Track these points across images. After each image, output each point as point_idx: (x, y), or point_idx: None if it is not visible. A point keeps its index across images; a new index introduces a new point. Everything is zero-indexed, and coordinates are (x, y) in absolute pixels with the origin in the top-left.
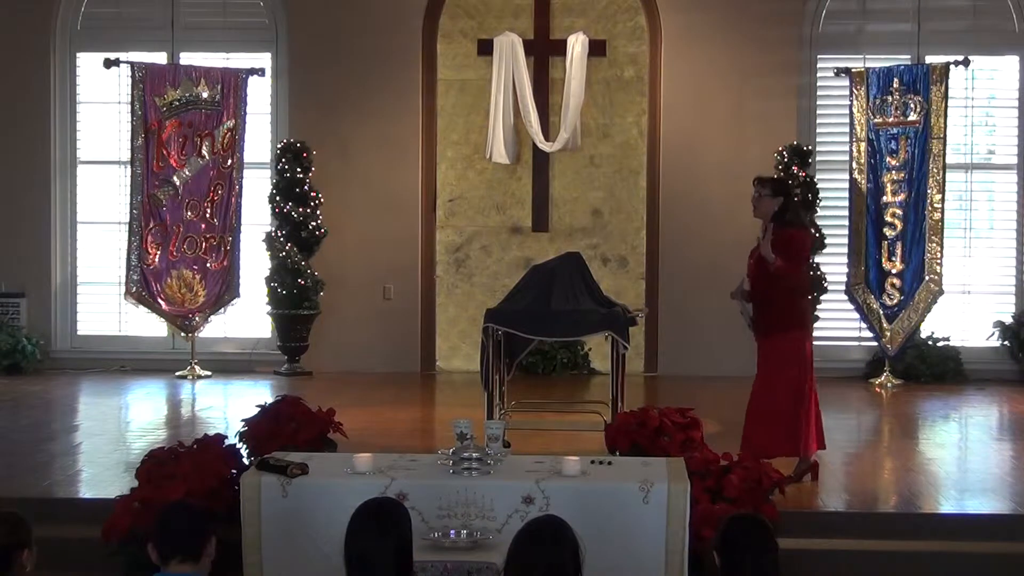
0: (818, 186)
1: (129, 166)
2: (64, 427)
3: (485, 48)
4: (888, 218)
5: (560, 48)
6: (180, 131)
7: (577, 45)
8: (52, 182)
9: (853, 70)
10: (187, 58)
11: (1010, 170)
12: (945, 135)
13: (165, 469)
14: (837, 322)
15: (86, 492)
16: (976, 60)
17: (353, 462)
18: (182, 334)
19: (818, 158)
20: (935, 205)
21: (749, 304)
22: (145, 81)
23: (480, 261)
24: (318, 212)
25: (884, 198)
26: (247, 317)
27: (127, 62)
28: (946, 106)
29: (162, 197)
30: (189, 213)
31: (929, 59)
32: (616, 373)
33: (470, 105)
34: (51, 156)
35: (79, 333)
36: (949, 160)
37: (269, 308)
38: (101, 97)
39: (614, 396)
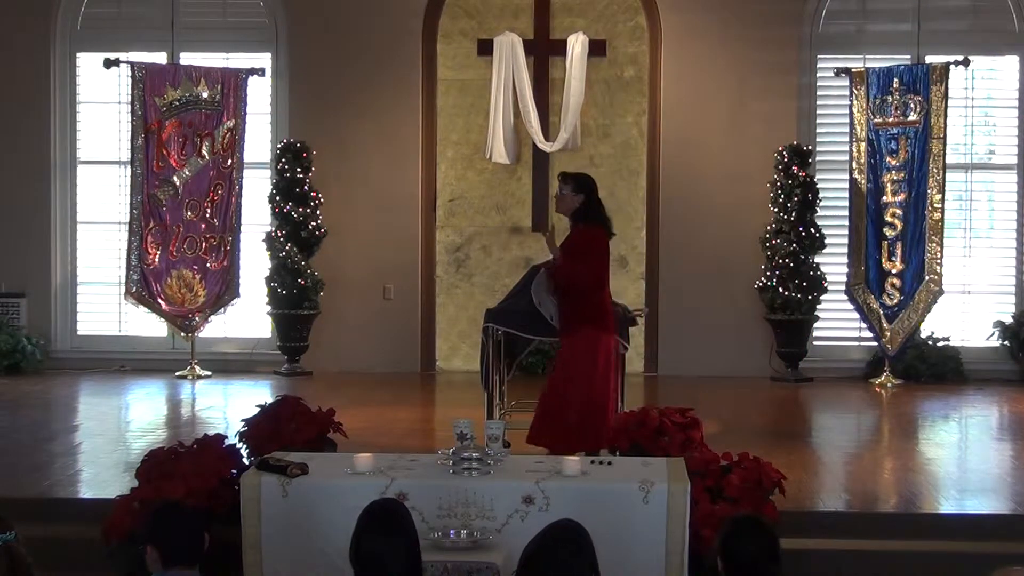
0: (818, 186)
1: (129, 166)
2: (64, 427)
3: (485, 48)
4: (888, 218)
5: (560, 48)
6: (180, 131)
7: (577, 45)
8: (52, 182)
9: (853, 70)
10: (187, 58)
11: (1010, 170)
12: (945, 135)
13: (165, 469)
14: (837, 322)
15: (86, 492)
16: (976, 60)
17: (353, 462)
18: (182, 334)
19: (818, 158)
20: (935, 205)
21: (551, 297)
22: (145, 81)
23: (480, 261)
24: (318, 212)
25: (884, 198)
26: (247, 317)
27: (127, 62)
28: (946, 106)
29: (162, 197)
30: (189, 213)
31: (929, 59)
32: (616, 373)
33: (470, 105)
34: (51, 156)
35: (79, 333)
36: (949, 160)
37: (269, 308)
38: (101, 97)
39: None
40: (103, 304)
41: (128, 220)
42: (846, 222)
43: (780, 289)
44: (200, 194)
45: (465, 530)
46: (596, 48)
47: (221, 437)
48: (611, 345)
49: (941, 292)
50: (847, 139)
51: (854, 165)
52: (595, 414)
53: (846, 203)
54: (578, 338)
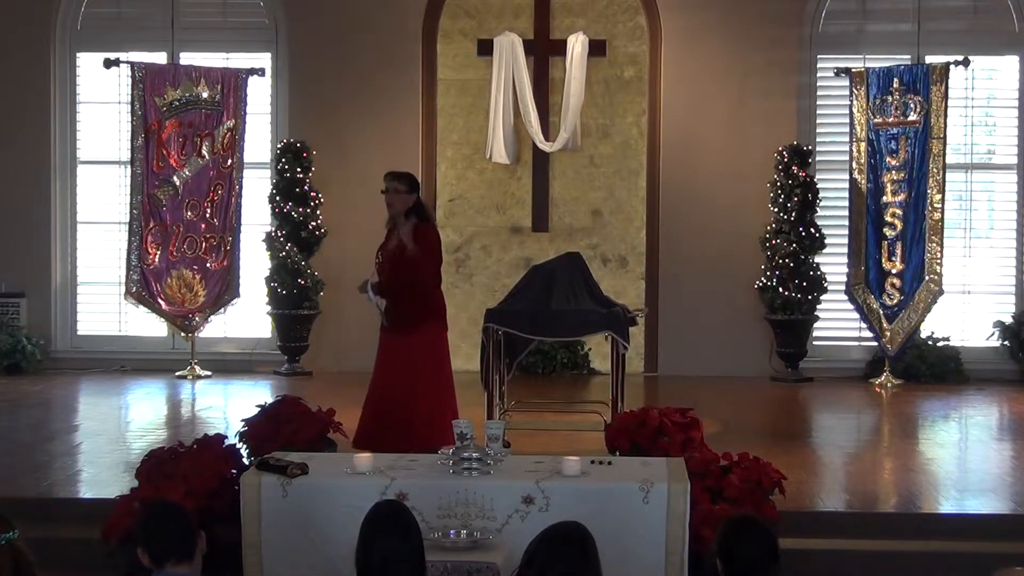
0: (818, 186)
1: (129, 166)
2: (64, 427)
3: (485, 48)
4: (888, 218)
5: (560, 48)
6: (180, 131)
7: (577, 45)
8: (52, 182)
9: (853, 70)
10: (187, 58)
11: (1010, 170)
12: (945, 135)
13: (165, 469)
14: (837, 322)
15: (86, 492)
16: (976, 60)
17: (353, 462)
18: (182, 334)
19: (818, 158)
20: (935, 205)
21: (378, 298)
22: (145, 81)
23: (480, 261)
24: (318, 212)
25: (884, 198)
26: (247, 317)
27: (127, 62)
28: (946, 106)
29: (162, 197)
30: (189, 213)
31: (929, 59)
32: (616, 373)
33: (470, 105)
34: (51, 156)
35: (79, 333)
36: (949, 160)
37: (269, 308)
38: (101, 97)
39: (614, 396)
40: (103, 304)
41: (128, 220)
42: (846, 222)
43: (780, 289)
44: (200, 194)
45: (465, 530)
46: (596, 48)
47: (221, 437)
48: (446, 339)
49: (941, 292)
50: (847, 139)
51: (854, 165)
52: (443, 411)
53: (846, 203)
54: (423, 333)
